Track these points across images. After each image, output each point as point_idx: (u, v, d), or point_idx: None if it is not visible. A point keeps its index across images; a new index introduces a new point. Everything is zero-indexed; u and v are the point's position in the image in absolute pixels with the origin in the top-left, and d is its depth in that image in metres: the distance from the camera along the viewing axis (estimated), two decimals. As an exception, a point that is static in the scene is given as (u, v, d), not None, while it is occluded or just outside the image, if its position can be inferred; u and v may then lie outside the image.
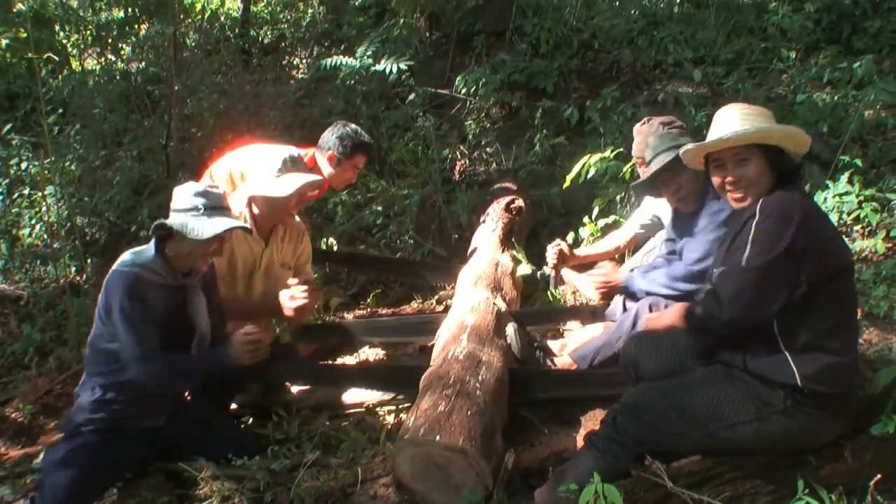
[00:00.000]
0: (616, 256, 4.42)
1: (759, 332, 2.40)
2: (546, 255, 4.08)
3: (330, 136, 4.19)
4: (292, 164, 3.56)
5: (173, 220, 2.91)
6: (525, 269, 4.48)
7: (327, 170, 4.20)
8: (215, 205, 2.95)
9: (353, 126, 4.25)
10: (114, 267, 2.90)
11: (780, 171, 2.48)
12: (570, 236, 4.84)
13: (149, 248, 2.94)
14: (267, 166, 3.55)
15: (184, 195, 2.94)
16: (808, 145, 2.52)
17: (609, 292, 3.66)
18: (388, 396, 3.61)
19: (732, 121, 2.52)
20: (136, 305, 2.81)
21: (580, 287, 4.17)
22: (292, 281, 3.53)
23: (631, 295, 3.57)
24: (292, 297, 3.46)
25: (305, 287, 3.47)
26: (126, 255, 2.93)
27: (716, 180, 2.59)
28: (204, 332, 3.11)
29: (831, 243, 2.43)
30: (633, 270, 3.72)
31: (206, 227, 2.86)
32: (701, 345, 2.63)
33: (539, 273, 4.31)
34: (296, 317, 3.53)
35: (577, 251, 4.19)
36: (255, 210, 3.63)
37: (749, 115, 2.53)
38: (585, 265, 4.09)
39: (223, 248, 3.08)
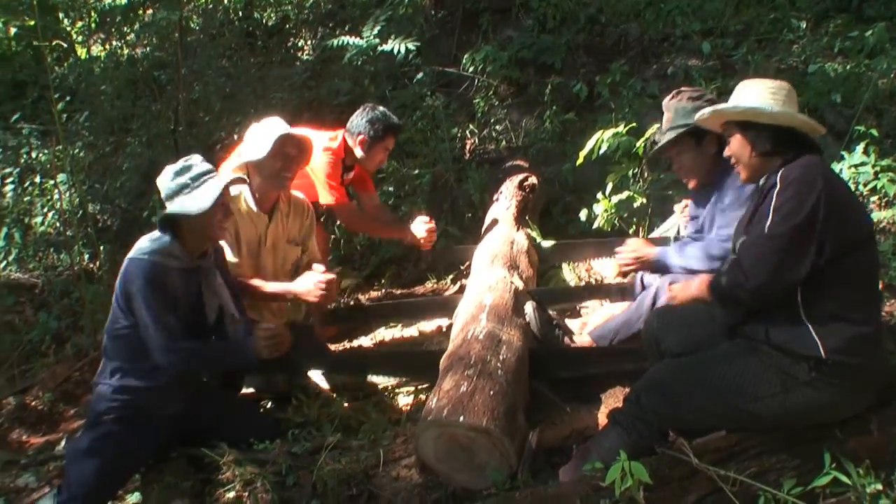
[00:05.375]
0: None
1: (782, 304, 2.37)
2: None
3: (360, 121, 4.29)
4: (197, 175, 2.95)
5: (170, 208, 2.91)
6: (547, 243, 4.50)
7: (359, 153, 4.31)
8: (197, 173, 2.93)
9: (382, 108, 4.35)
10: (130, 255, 2.89)
11: (774, 146, 2.49)
12: (584, 213, 4.81)
13: (164, 234, 2.94)
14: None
15: (166, 181, 2.94)
16: (792, 120, 2.49)
17: (639, 268, 3.54)
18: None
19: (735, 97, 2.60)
20: (157, 294, 2.81)
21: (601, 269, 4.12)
22: (319, 268, 3.52)
23: (658, 270, 3.45)
24: (319, 285, 3.43)
25: (332, 277, 3.47)
26: (142, 242, 2.92)
27: None
28: (230, 309, 3.14)
29: (854, 211, 2.42)
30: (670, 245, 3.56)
31: (203, 198, 2.86)
32: (730, 318, 2.59)
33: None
34: (320, 303, 3.58)
35: None
36: (253, 184, 3.53)
37: (742, 91, 2.59)
38: None
39: (229, 213, 3.07)
